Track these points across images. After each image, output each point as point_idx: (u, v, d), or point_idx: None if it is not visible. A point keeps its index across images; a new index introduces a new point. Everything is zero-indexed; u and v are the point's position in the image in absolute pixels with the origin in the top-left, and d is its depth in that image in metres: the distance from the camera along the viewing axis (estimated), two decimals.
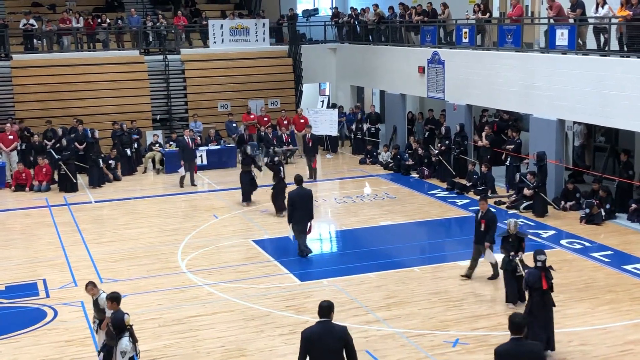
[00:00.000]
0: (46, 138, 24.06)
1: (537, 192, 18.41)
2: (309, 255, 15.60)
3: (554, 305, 10.91)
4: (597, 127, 21.00)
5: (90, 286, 10.48)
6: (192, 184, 22.53)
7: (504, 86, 20.87)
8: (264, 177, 21.28)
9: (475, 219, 14.00)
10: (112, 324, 9.33)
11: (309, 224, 15.51)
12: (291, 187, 16.27)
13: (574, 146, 22.10)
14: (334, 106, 29.06)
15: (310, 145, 23.06)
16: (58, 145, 22.89)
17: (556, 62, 18.93)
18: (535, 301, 10.72)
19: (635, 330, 11.67)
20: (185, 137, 22.58)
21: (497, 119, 24.38)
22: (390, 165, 24.27)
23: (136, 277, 14.67)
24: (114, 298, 9.67)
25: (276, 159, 19.82)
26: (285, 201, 16.53)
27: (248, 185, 20.02)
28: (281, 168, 19.01)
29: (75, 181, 22.20)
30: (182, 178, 22.45)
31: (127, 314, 9.33)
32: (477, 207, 18.97)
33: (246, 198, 20.09)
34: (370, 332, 11.79)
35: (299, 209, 15.37)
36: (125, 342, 9.05)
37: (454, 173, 22.08)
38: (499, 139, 22.36)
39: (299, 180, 15.97)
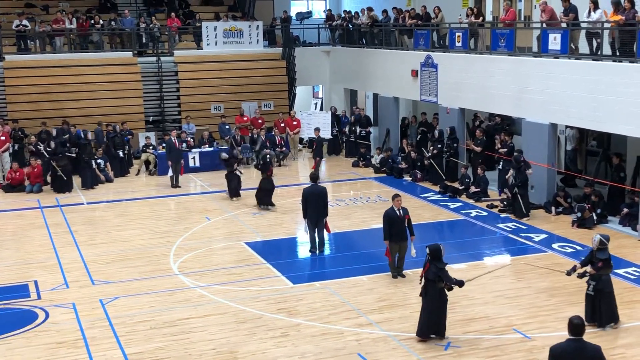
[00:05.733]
0: (40, 140, 23.93)
1: (515, 194, 18.47)
2: (321, 253, 15.97)
3: (437, 298, 11.38)
4: (590, 131, 21.07)
5: None
6: (176, 184, 22.53)
7: (496, 90, 20.92)
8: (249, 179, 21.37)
9: (396, 217, 14.00)
10: None
11: (324, 221, 15.92)
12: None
13: (567, 150, 22.16)
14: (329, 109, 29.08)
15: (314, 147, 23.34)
16: (49, 148, 22.80)
17: (549, 67, 18.99)
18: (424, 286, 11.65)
19: (626, 334, 11.71)
20: (172, 138, 22.61)
21: (490, 123, 24.40)
22: (383, 169, 24.24)
23: (128, 279, 14.63)
24: None
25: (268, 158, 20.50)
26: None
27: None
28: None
29: (70, 181, 22.19)
30: (172, 178, 22.49)
31: None
32: (468, 211, 19.10)
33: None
34: (362, 335, 11.79)
35: (311, 205, 15.75)
36: None
37: (444, 177, 22.09)
38: (489, 142, 22.36)
39: (313, 177, 16.29)
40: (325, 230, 16.00)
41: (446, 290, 11.48)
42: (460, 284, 11.59)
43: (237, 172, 20.93)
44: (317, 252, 15.96)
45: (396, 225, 13.94)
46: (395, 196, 14.22)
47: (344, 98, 31.28)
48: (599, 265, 11.80)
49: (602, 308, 11.84)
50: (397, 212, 13.99)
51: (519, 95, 20.01)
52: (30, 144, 23.69)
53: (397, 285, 13.98)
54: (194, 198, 21.55)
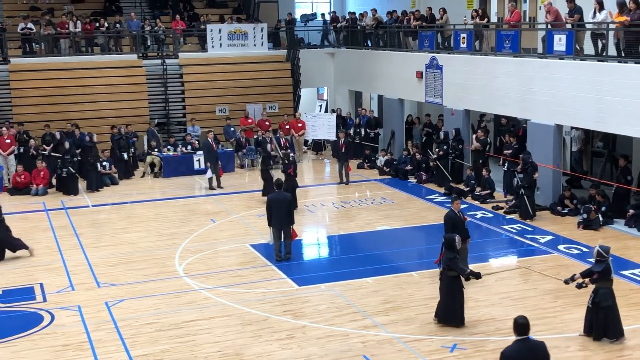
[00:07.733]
0: (45, 142, 23.98)
1: (521, 195, 18.44)
2: (286, 260, 15.54)
3: (448, 284, 11.89)
4: (595, 132, 21.02)
5: None
6: (219, 186, 22.51)
7: (501, 91, 20.88)
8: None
9: (458, 219, 13.93)
10: None
11: (290, 228, 15.58)
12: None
13: (572, 151, 22.11)
14: (333, 112, 29.03)
15: (343, 150, 23.00)
16: (62, 151, 22.77)
17: (554, 68, 18.95)
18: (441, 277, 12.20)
19: (633, 336, 11.66)
20: (209, 139, 22.64)
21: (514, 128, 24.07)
22: (387, 170, 24.24)
23: (133, 281, 14.64)
24: None
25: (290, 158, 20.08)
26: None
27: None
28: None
29: (77, 183, 22.28)
30: (211, 180, 22.47)
31: None
32: (474, 213, 19.06)
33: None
34: (367, 337, 11.77)
35: (275, 213, 15.42)
36: None
37: (450, 178, 22.06)
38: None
39: (278, 184, 16.01)
40: (292, 237, 15.64)
41: (463, 280, 11.98)
42: (477, 276, 12.06)
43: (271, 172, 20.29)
44: (282, 259, 15.54)
45: (460, 228, 13.80)
46: (455, 198, 14.15)
47: (348, 100, 31.29)
48: (594, 278, 11.53)
49: (599, 322, 11.47)
50: (458, 214, 13.91)
51: (524, 96, 19.98)
52: (34, 147, 23.64)
53: (402, 287, 13.96)
54: (199, 200, 21.56)
